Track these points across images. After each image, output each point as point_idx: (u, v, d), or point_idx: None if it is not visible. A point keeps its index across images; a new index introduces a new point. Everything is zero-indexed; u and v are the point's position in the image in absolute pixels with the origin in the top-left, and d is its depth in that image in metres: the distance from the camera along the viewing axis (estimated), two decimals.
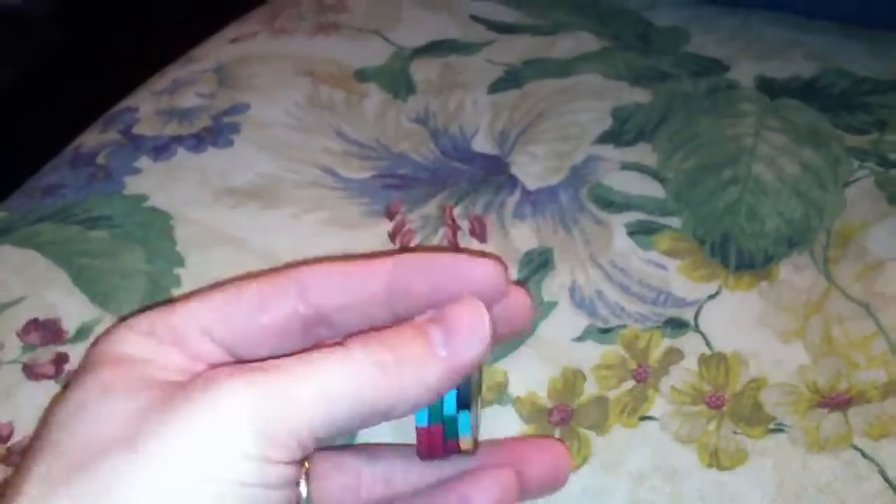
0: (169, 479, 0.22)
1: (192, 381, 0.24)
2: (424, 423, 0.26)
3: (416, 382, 0.24)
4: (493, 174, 0.47)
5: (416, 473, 0.29)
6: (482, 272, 0.26)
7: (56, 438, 0.23)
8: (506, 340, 0.29)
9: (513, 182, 0.47)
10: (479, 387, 0.30)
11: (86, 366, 0.25)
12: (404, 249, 0.28)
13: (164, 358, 0.25)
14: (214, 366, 0.25)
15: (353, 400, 0.23)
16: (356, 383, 0.23)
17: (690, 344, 0.39)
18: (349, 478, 0.29)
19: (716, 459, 0.35)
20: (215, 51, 0.58)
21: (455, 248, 0.43)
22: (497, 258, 0.28)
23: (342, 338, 0.26)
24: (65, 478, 0.22)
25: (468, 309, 0.25)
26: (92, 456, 0.22)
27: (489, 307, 0.26)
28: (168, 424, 0.22)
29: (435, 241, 0.44)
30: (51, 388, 0.38)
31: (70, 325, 0.40)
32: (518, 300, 0.28)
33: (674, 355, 0.38)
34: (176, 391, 0.23)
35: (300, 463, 0.24)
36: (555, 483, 0.30)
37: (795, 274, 0.42)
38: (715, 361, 0.38)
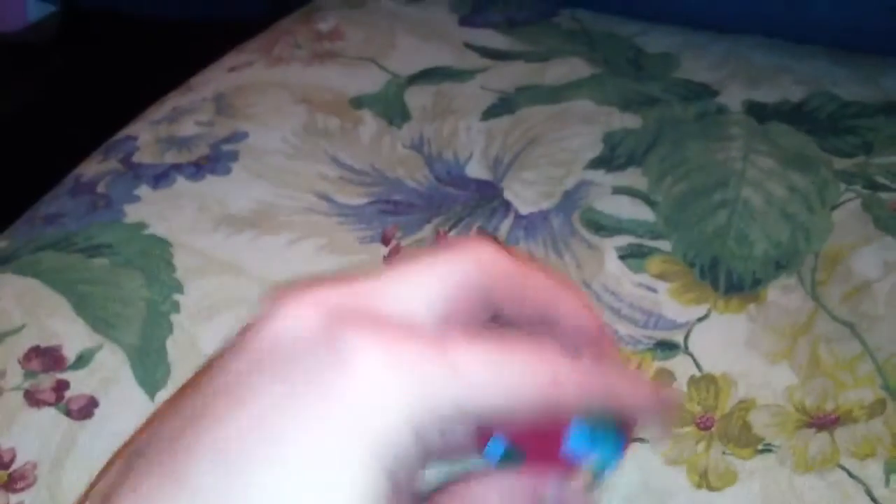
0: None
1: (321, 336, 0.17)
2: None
3: None
4: (487, 199, 0.48)
5: None
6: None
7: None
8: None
9: (506, 207, 0.48)
10: None
11: None
12: None
13: None
14: None
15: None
16: None
17: (680, 366, 0.39)
18: None
19: (705, 480, 0.36)
20: (214, 79, 0.59)
21: None
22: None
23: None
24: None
25: None
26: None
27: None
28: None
29: None
30: (51, 414, 0.38)
31: (71, 353, 0.41)
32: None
33: (664, 377, 0.39)
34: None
35: None
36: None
37: (783, 296, 0.42)
38: (704, 383, 0.39)
